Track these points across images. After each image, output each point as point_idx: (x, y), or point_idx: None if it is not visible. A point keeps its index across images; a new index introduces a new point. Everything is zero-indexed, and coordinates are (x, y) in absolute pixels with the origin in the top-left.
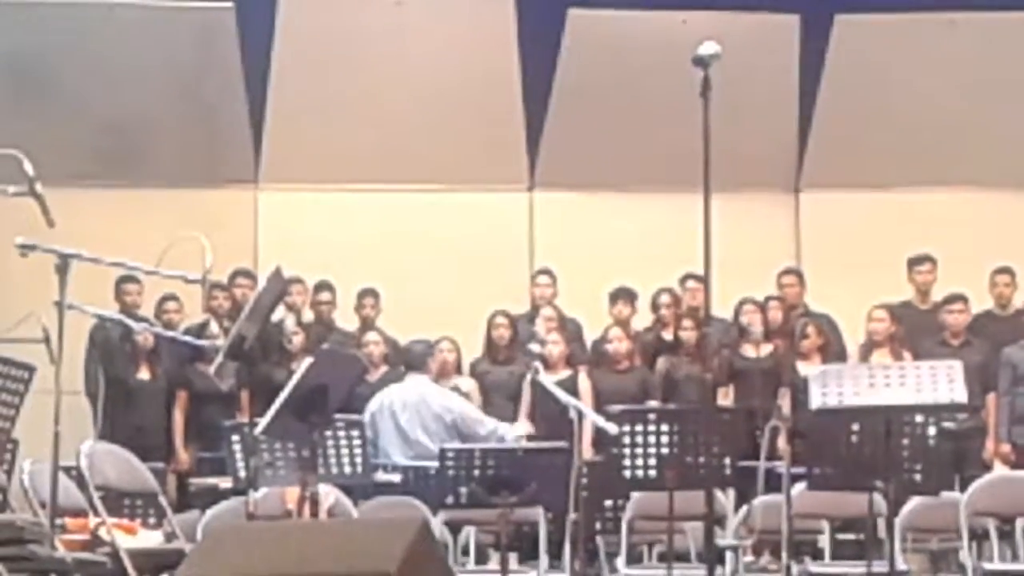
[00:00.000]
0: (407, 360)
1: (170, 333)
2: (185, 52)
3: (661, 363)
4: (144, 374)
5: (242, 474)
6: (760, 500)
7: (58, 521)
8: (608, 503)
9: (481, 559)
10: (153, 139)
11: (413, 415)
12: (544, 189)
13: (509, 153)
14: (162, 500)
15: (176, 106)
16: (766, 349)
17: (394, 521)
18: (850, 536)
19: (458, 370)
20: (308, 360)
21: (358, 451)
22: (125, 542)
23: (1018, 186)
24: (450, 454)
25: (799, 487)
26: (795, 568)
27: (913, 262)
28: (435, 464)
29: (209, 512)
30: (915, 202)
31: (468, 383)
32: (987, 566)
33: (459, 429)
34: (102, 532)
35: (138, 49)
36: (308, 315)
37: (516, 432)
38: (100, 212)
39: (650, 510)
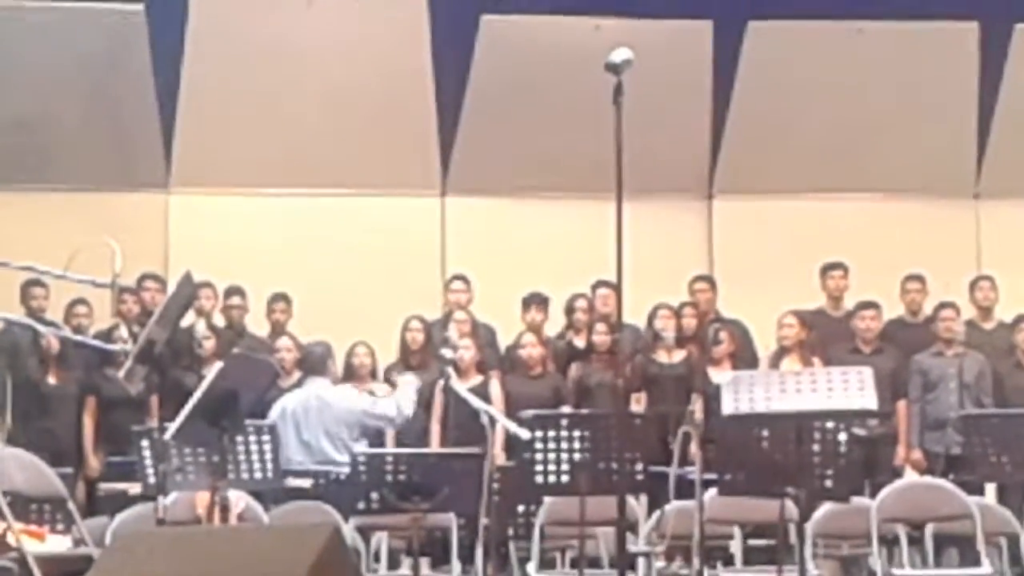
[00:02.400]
0: (307, 364)
1: (77, 337)
2: (95, 54)
3: (574, 369)
4: (53, 379)
5: (152, 479)
6: (672, 506)
7: None
8: (520, 508)
9: (393, 565)
10: (63, 142)
11: (315, 421)
12: (456, 194)
13: (422, 158)
14: (70, 505)
15: (86, 109)
16: (679, 355)
17: (304, 527)
18: (761, 542)
19: (373, 375)
20: (218, 365)
21: (269, 456)
22: (33, 548)
23: (930, 193)
24: (361, 459)
25: (711, 493)
26: (707, 574)
27: (826, 268)
28: (346, 469)
29: (118, 517)
30: (827, 209)
31: (383, 389)
32: (897, 572)
33: (366, 425)
34: (9, 537)
35: (48, 51)
36: (219, 320)
37: (407, 395)
38: (7, 215)
39: (562, 515)
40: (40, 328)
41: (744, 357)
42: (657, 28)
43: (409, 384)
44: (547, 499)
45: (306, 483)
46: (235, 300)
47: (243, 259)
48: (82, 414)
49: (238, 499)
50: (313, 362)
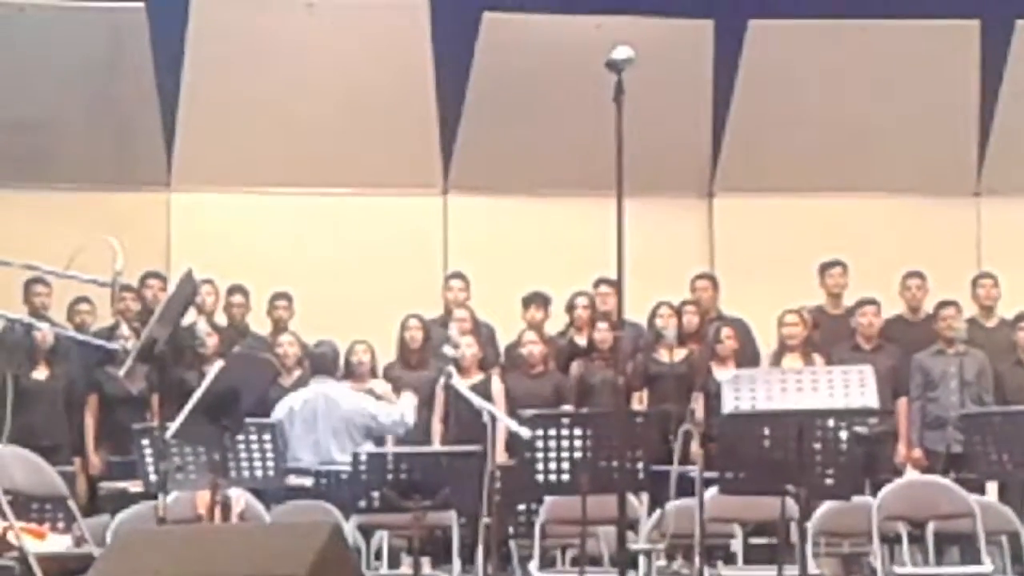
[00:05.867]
0: (314, 363)
1: (80, 336)
2: (96, 53)
3: (575, 367)
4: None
5: (152, 478)
6: (673, 504)
7: None
8: (521, 507)
9: (394, 563)
10: (64, 140)
11: (324, 421)
12: (458, 193)
13: (423, 156)
14: (71, 504)
15: (87, 107)
16: (680, 353)
17: (305, 525)
18: (762, 540)
19: (372, 373)
20: (219, 363)
21: (270, 455)
22: (34, 546)
23: (930, 192)
24: (363, 457)
25: (712, 491)
26: (707, 572)
27: (824, 267)
28: (348, 468)
29: (119, 516)
30: (827, 207)
31: (383, 386)
32: (898, 570)
33: (371, 429)
34: (10, 536)
35: (49, 50)
36: (220, 318)
37: (408, 408)
38: (10, 214)
39: (563, 514)
40: (37, 324)
41: (746, 355)
42: (658, 26)
43: (409, 399)
44: (548, 498)
45: (307, 481)
46: (237, 298)
47: (245, 257)
48: (81, 411)
49: (239, 498)
50: (324, 362)
